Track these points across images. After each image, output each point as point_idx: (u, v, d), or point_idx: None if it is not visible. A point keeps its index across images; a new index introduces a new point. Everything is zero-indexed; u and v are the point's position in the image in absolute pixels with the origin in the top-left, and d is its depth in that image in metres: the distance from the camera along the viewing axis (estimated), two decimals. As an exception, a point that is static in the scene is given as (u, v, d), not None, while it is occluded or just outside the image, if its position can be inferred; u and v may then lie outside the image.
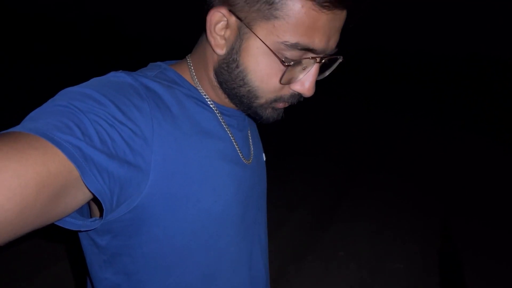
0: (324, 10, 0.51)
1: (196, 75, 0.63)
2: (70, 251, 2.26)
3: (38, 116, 0.44)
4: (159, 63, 0.63)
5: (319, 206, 3.31)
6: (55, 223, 0.45)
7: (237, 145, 0.66)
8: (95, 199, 0.47)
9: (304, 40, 0.52)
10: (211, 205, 0.59)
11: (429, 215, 3.28)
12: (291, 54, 0.53)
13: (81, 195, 0.45)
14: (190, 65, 0.64)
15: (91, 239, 0.58)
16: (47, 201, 0.40)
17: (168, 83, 0.58)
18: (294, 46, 0.52)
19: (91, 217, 0.58)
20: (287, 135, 4.83)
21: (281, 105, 0.60)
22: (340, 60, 0.60)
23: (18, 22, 10.26)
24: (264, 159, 0.79)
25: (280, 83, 0.56)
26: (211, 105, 0.62)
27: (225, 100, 0.63)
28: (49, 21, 10.68)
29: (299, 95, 0.59)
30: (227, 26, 0.56)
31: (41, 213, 0.40)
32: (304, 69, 0.56)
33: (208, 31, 0.57)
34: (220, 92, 0.62)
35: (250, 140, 0.72)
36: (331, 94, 6.62)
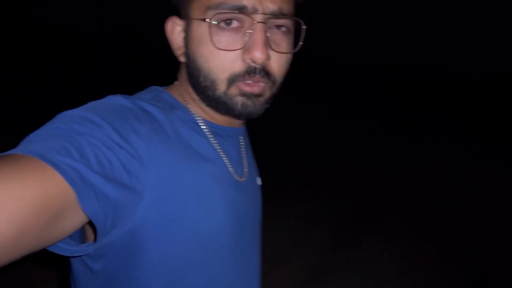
0: None
1: (184, 96, 0.65)
2: (61, 277, 2.18)
3: (36, 139, 0.45)
4: (154, 86, 0.65)
5: (335, 228, 3.13)
6: (48, 249, 0.45)
7: (230, 165, 0.66)
8: (90, 222, 0.47)
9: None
10: (205, 228, 0.59)
11: (455, 246, 3.02)
12: (221, 18, 0.54)
13: (78, 218, 0.45)
14: (178, 88, 0.66)
15: (85, 264, 0.58)
16: (45, 223, 0.40)
17: (164, 106, 0.60)
18: (220, 7, 0.53)
19: (84, 242, 0.57)
20: (305, 153, 4.66)
21: (246, 87, 0.57)
22: (304, 27, 0.59)
23: (34, 34, 10.30)
24: (259, 183, 0.79)
25: (217, 48, 0.55)
26: (202, 127, 0.63)
27: (212, 114, 0.64)
28: (67, 33, 10.67)
29: (256, 67, 0.57)
30: (183, 33, 0.60)
31: (39, 236, 0.40)
32: (248, 35, 0.56)
33: (171, 44, 0.61)
34: (203, 105, 0.63)
35: (244, 160, 0.73)
36: (350, 113, 6.46)
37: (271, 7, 0.55)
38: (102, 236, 0.47)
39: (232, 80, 0.57)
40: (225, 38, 0.55)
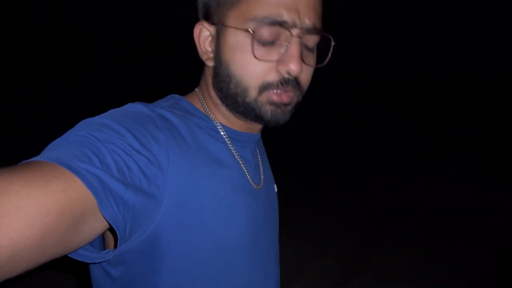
0: None
1: (205, 102, 0.65)
2: (80, 282, 2.16)
3: (58, 146, 0.46)
4: (173, 95, 0.66)
5: (350, 250, 2.99)
6: (70, 255, 0.46)
7: (248, 173, 0.66)
8: (110, 229, 0.47)
9: (270, 13, 0.54)
10: (223, 236, 0.59)
11: (480, 277, 2.77)
12: (261, 30, 0.56)
13: (98, 224, 0.45)
14: (199, 94, 0.66)
15: (104, 270, 0.58)
16: (67, 229, 0.40)
17: (182, 114, 0.60)
18: (262, 21, 0.55)
19: (104, 248, 0.58)
20: (321, 167, 4.53)
21: (275, 97, 0.59)
22: (333, 43, 0.61)
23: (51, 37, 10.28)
24: (276, 190, 0.80)
25: (256, 57, 0.56)
26: (222, 134, 0.64)
27: (232, 120, 0.64)
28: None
29: (290, 79, 0.58)
30: (212, 38, 0.60)
31: (61, 241, 0.40)
32: (284, 47, 0.57)
33: (198, 49, 0.61)
34: (224, 110, 0.64)
35: (261, 167, 0.73)
36: (369, 126, 6.31)
37: (308, 22, 0.57)
38: (122, 242, 0.48)
39: (264, 88, 0.58)
40: (263, 49, 0.57)
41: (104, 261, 0.54)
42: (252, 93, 0.59)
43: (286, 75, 0.58)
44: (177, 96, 0.65)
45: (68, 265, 0.85)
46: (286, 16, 0.55)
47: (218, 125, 0.64)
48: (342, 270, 2.73)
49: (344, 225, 3.33)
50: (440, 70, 10.24)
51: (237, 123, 0.65)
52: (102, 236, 0.60)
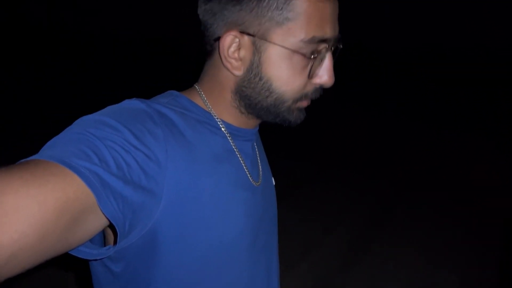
0: None
1: (209, 100, 0.64)
2: (80, 279, 2.16)
3: (55, 144, 0.46)
4: (171, 91, 0.65)
5: (357, 227, 3.04)
6: (70, 253, 0.46)
7: (247, 169, 0.66)
8: (110, 225, 0.47)
9: (318, 33, 0.55)
10: (222, 232, 0.59)
11: (486, 242, 2.86)
12: (308, 49, 0.56)
13: (98, 221, 0.45)
14: (200, 91, 0.65)
15: (106, 266, 0.59)
16: (67, 226, 0.41)
17: (180, 110, 0.60)
18: (311, 40, 0.55)
19: (105, 245, 0.58)
20: (327, 147, 4.56)
21: (305, 103, 0.62)
22: (340, 47, 0.63)
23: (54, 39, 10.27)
24: (274, 183, 0.80)
25: (309, 78, 0.58)
26: (222, 129, 0.63)
27: (237, 117, 0.64)
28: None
29: (321, 88, 0.62)
30: (239, 46, 0.58)
31: (61, 239, 0.41)
32: (321, 60, 0.59)
33: (222, 57, 0.59)
34: (237, 112, 0.63)
35: (259, 163, 0.73)
36: (373, 107, 6.35)
37: (338, 34, 0.59)
38: (121, 238, 0.48)
39: (300, 98, 0.61)
40: (312, 68, 0.58)
41: (105, 258, 0.54)
42: (289, 103, 0.60)
43: (319, 86, 0.61)
44: (175, 92, 0.64)
45: (69, 262, 0.85)
46: (329, 33, 0.56)
47: (219, 121, 0.63)
48: (349, 248, 2.76)
49: (350, 203, 3.38)
50: (439, 44, 10.16)
51: (239, 120, 0.65)
52: (103, 233, 0.60)
